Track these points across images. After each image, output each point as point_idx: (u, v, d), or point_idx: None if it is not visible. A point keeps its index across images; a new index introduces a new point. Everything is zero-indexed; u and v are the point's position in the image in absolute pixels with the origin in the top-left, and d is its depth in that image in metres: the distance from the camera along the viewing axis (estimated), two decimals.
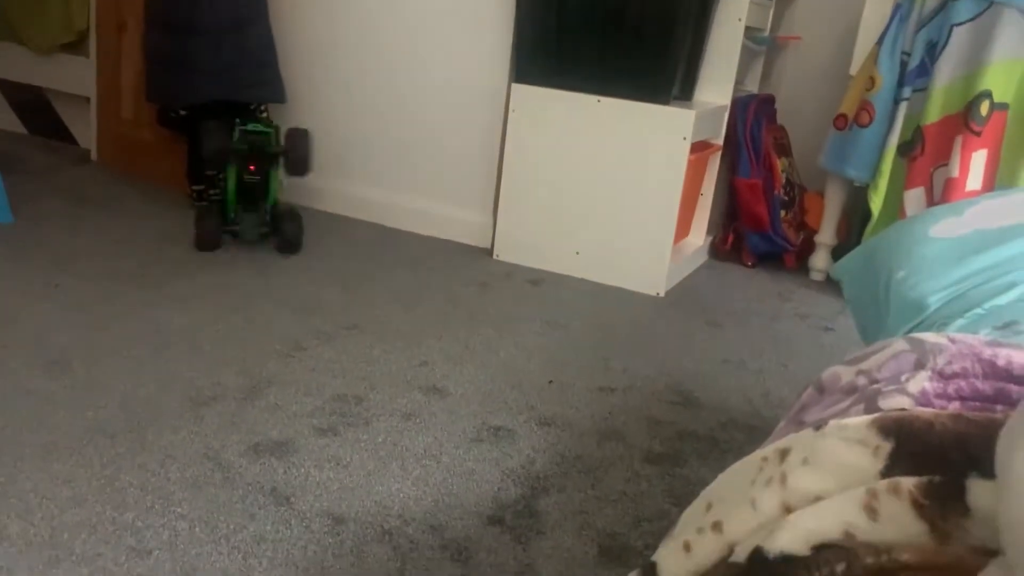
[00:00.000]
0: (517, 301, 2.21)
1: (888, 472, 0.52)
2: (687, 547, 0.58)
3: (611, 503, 1.34)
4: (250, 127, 2.36)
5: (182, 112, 2.57)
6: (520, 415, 1.59)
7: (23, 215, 2.40)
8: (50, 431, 1.37)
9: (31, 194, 2.61)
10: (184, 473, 1.30)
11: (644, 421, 1.62)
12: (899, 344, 0.74)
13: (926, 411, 0.58)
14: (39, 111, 3.35)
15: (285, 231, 2.36)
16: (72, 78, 3.13)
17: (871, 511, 0.49)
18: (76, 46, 3.09)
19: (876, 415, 0.56)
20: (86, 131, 3.18)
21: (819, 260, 2.67)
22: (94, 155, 3.14)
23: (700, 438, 1.57)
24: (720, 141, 2.60)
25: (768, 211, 2.63)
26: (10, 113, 3.40)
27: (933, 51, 2.29)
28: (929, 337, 0.74)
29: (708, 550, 0.56)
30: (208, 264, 2.23)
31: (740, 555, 0.53)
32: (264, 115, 2.54)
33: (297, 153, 2.34)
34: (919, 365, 0.70)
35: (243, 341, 1.78)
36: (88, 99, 3.10)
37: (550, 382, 1.74)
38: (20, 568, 1.06)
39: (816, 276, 2.67)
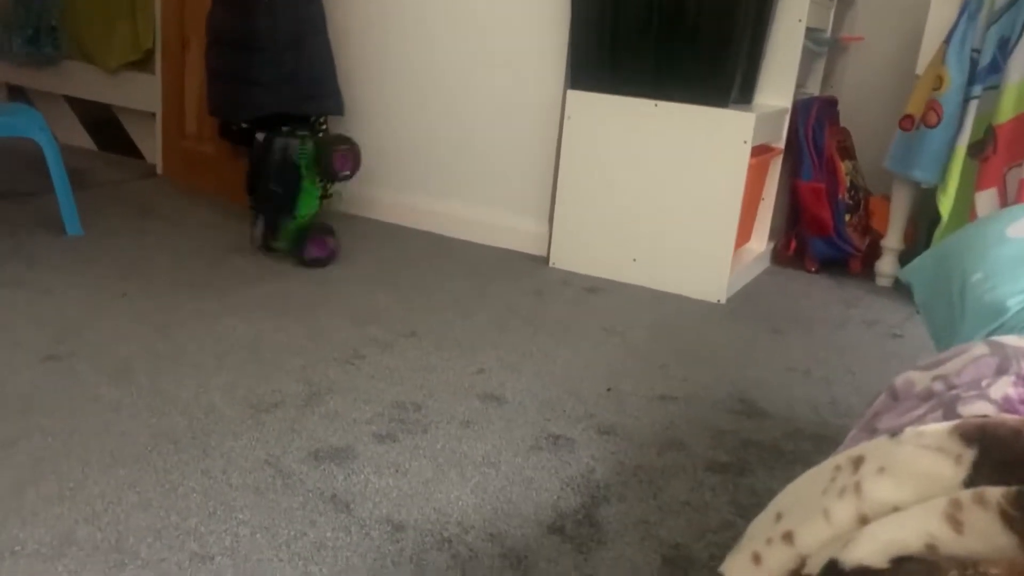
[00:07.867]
0: (574, 309, 2.19)
1: (972, 481, 0.49)
2: (756, 558, 0.55)
3: (674, 513, 1.31)
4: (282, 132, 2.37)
5: (243, 125, 2.62)
6: (579, 423, 1.57)
7: (92, 228, 2.47)
8: (116, 437, 1.40)
9: (100, 208, 2.69)
10: (245, 479, 1.31)
11: (706, 430, 1.58)
12: (979, 348, 0.71)
13: (1011, 417, 0.55)
14: (108, 127, 3.45)
15: (301, 248, 2.32)
16: (139, 95, 3.22)
17: (955, 522, 0.46)
18: (142, 64, 3.19)
19: (957, 422, 0.53)
20: (152, 146, 3.27)
21: (886, 265, 2.59)
22: (159, 169, 3.22)
23: (765, 447, 1.53)
24: (781, 144, 2.55)
25: (832, 215, 2.57)
26: (81, 130, 3.52)
27: (1005, 47, 2.21)
28: (1011, 340, 0.71)
29: (778, 562, 0.54)
30: (268, 274, 2.27)
31: (813, 567, 0.51)
32: (324, 127, 2.58)
33: (322, 160, 2.33)
34: (1001, 370, 0.66)
35: (303, 349, 1.80)
36: (154, 115, 3.19)
37: (608, 390, 1.72)
38: (87, 572, 1.08)
39: (883, 281, 2.60)
